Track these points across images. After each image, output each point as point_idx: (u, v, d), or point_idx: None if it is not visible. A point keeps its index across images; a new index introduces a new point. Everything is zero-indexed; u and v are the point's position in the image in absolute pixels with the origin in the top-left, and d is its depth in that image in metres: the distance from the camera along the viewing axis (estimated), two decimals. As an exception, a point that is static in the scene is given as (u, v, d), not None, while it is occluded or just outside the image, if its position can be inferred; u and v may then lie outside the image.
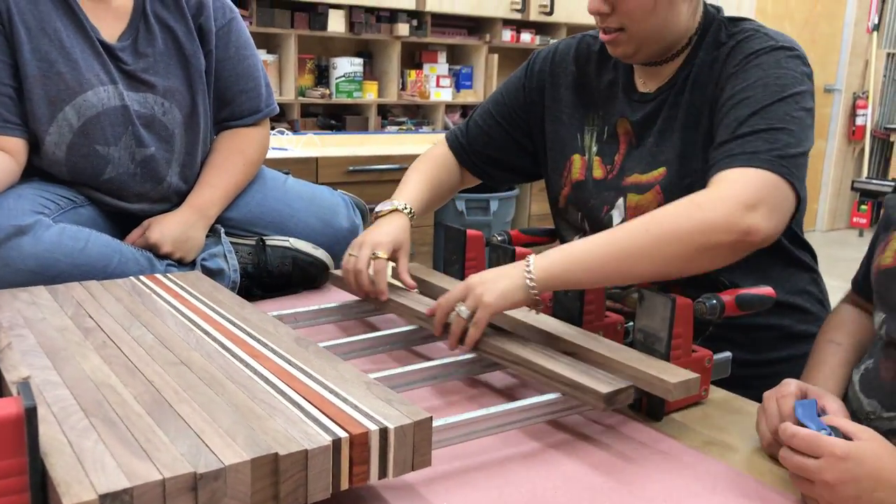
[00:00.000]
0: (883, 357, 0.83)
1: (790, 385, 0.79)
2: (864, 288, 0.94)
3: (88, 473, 0.54)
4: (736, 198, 0.86)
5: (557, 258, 0.90)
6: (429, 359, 0.99)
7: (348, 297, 1.18)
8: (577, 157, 1.16)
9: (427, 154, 1.29)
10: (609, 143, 1.13)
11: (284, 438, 0.60)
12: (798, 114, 0.93)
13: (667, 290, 0.90)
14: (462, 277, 1.18)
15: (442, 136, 1.32)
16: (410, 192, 1.18)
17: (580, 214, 1.17)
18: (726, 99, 0.97)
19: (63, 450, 0.57)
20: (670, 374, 0.82)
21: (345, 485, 0.62)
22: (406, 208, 1.14)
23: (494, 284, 0.90)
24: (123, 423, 0.62)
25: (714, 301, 0.92)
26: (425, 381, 0.89)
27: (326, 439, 0.60)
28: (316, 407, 0.66)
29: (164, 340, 0.81)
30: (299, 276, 1.30)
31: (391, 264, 1.10)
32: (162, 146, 1.27)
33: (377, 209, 1.14)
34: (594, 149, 1.14)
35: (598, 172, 1.13)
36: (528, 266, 0.89)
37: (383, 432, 0.63)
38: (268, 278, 1.28)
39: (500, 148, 1.25)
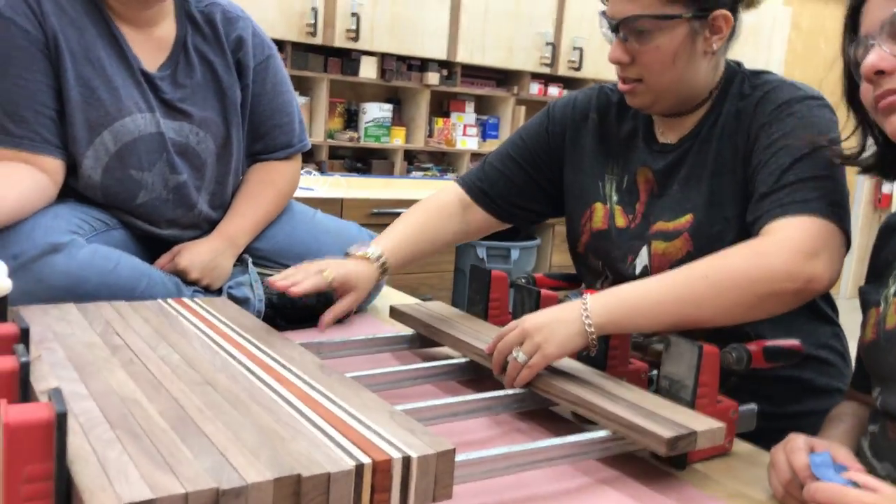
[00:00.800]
0: (888, 420, 0.82)
1: (798, 440, 0.78)
2: (861, 383, 0.93)
3: (112, 482, 0.54)
4: (797, 246, 0.87)
5: (615, 302, 0.90)
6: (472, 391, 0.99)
7: (375, 331, 1.18)
8: (599, 206, 1.16)
9: (426, 202, 1.24)
10: (629, 192, 1.13)
11: (307, 460, 0.60)
12: (836, 160, 0.94)
13: (691, 339, 0.89)
14: (485, 318, 1.18)
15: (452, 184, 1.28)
16: (391, 242, 1.14)
17: (600, 263, 1.17)
18: (764, 147, 0.98)
19: (88, 459, 0.57)
20: (696, 422, 0.81)
21: (365, 513, 0.61)
22: (380, 258, 1.10)
23: (554, 332, 0.89)
24: (148, 436, 0.62)
25: (741, 351, 0.91)
26: (472, 413, 0.90)
27: (349, 464, 0.60)
28: (339, 432, 0.66)
29: (190, 361, 0.81)
30: (323, 309, 1.29)
31: (327, 280, 1.05)
32: (193, 174, 1.29)
33: (349, 249, 1.10)
34: (615, 198, 1.15)
35: (620, 221, 1.13)
36: (585, 309, 0.89)
37: (406, 461, 0.62)
38: (292, 310, 1.29)
39: (521, 193, 1.23)
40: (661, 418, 0.81)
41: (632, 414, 0.82)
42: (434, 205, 1.22)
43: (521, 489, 0.78)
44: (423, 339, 1.15)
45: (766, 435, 0.96)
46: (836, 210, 0.91)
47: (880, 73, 0.76)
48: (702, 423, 0.81)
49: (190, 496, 0.53)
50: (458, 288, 3.39)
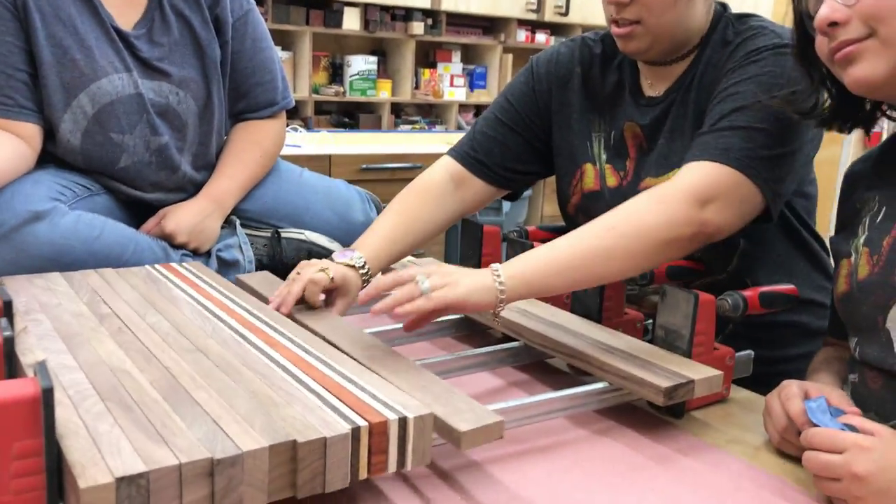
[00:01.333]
0: (867, 369, 0.82)
1: (792, 386, 0.78)
2: (837, 331, 0.93)
3: (105, 457, 0.53)
4: (692, 191, 0.87)
5: (527, 263, 0.85)
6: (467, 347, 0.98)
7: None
8: (588, 167, 1.13)
9: (413, 188, 1.15)
10: (617, 149, 1.11)
11: (302, 426, 0.59)
12: (785, 116, 0.91)
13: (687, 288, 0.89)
14: (479, 272, 1.17)
15: (455, 137, 1.22)
16: (374, 246, 1.04)
17: None
18: (719, 91, 0.96)
19: (79, 433, 0.56)
20: (693, 371, 0.81)
21: (363, 474, 0.60)
22: (363, 267, 0.99)
23: (464, 278, 0.83)
24: (139, 407, 0.61)
25: (737, 298, 0.90)
26: (467, 369, 0.89)
27: (345, 427, 0.59)
28: (334, 395, 0.65)
29: (180, 327, 0.80)
30: (314, 269, 1.29)
31: (323, 282, 0.94)
32: (175, 135, 1.26)
33: (333, 257, 1.00)
34: (603, 157, 1.12)
35: (611, 181, 1.11)
36: (496, 271, 0.84)
37: (402, 422, 0.61)
38: (283, 271, 1.27)
39: (518, 156, 1.18)
40: (658, 368, 0.81)
41: (628, 365, 0.81)
42: (423, 189, 1.14)
43: (519, 443, 0.78)
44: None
45: (763, 380, 0.96)
46: (755, 163, 0.89)
47: (834, 24, 0.74)
48: (699, 371, 0.81)
49: (184, 467, 0.53)
50: (451, 241, 3.37)
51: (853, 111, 0.85)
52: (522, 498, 0.68)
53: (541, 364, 0.97)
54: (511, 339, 0.96)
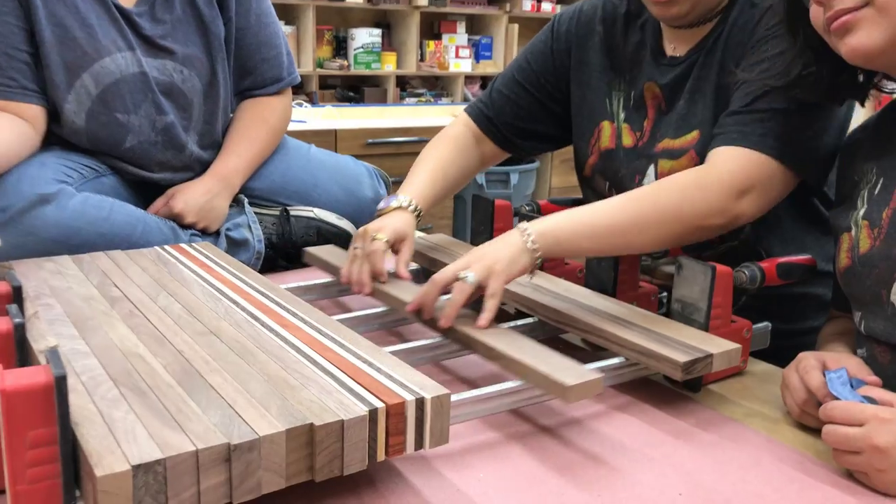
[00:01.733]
0: (875, 344, 0.80)
1: (809, 359, 0.77)
2: (841, 304, 0.91)
3: (120, 444, 0.52)
4: (732, 182, 0.88)
5: (562, 223, 0.87)
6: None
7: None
8: (606, 125, 1.12)
9: (441, 136, 1.19)
10: (636, 108, 1.09)
11: (319, 409, 0.58)
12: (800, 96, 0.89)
13: (702, 260, 0.87)
14: (490, 248, 1.16)
15: (461, 109, 1.24)
16: (417, 186, 1.08)
17: (607, 184, 1.14)
18: (751, 64, 0.93)
19: (94, 420, 0.55)
20: (711, 345, 0.80)
21: (381, 456, 0.60)
22: (410, 204, 1.04)
23: (500, 252, 0.85)
24: (154, 393, 0.60)
25: (754, 270, 0.89)
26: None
27: (363, 409, 0.58)
28: (350, 377, 0.64)
29: (192, 310, 0.79)
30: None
31: (388, 249, 0.98)
32: (180, 114, 1.24)
33: (380, 205, 1.05)
34: (622, 115, 1.11)
35: (627, 140, 1.09)
36: (525, 231, 0.86)
37: (420, 402, 0.61)
38: (292, 249, 1.26)
39: (529, 117, 1.19)
40: (676, 342, 0.80)
41: (645, 339, 0.80)
42: (450, 139, 1.17)
43: (535, 420, 0.77)
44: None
45: (779, 353, 0.95)
46: (795, 149, 0.89)
47: None
48: (717, 345, 0.80)
49: (201, 453, 0.52)
50: (458, 216, 3.36)
51: (848, 82, 0.83)
52: (541, 472, 0.67)
53: (555, 340, 0.96)
54: (525, 315, 0.95)
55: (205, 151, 1.30)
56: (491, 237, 1.15)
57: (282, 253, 1.26)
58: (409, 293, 0.91)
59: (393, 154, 3.09)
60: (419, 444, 0.62)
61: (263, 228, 1.25)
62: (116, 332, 0.73)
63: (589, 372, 0.73)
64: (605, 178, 1.14)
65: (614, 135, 1.11)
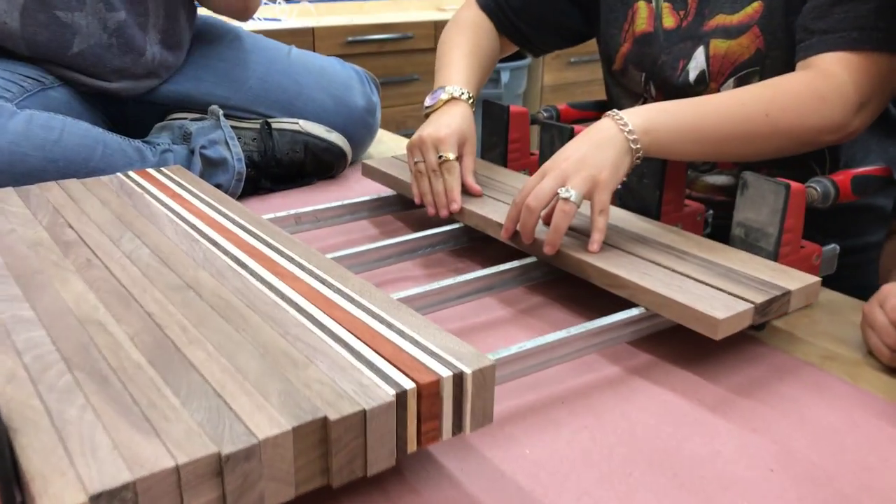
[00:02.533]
0: None
1: (887, 287, 0.65)
2: None
3: (74, 461, 0.39)
4: (855, 94, 0.75)
5: (666, 121, 0.74)
6: (473, 268, 0.84)
7: (377, 189, 1.01)
8: (642, 5, 0.95)
9: (458, 21, 1.05)
10: None
11: (333, 395, 0.45)
12: None
13: (767, 175, 0.74)
14: (505, 162, 1.01)
15: (444, 1, 1.09)
16: (461, 73, 0.95)
17: (643, 75, 0.98)
18: None
19: (39, 423, 0.42)
20: (787, 279, 0.67)
21: (412, 447, 0.48)
22: (463, 94, 0.92)
23: (600, 157, 0.72)
24: (118, 377, 0.47)
25: (827, 185, 0.76)
26: (476, 293, 0.75)
27: (389, 393, 0.45)
28: (368, 345, 0.51)
29: (164, 256, 0.65)
30: (313, 165, 1.13)
31: (456, 164, 0.87)
32: (133, 9, 1.06)
33: (427, 103, 0.92)
34: None
35: (669, 21, 0.93)
36: (624, 125, 0.73)
37: (458, 378, 0.48)
38: (277, 168, 1.11)
39: (546, 3, 1.03)
40: (743, 277, 0.67)
41: (707, 274, 0.68)
42: (471, 24, 1.03)
43: (577, 376, 0.65)
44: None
45: (838, 272, 0.83)
46: None
47: None
48: (793, 278, 0.67)
49: (183, 469, 0.39)
50: None
51: None
52: (596, 445, 0.56)
53: (567, 278, 0.82)
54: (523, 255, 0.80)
55: (171, 53, 1.12)
56: (505, 149, 1.01)
57: (265, 172, 1.11)
58: (495, 212, 0.82)
59: (375, 53, 2.88)
60: (458, 427, 0.49)
61: (243, 145, 1.09)
62: (71, 289, 0.59)
63: (737, 302, 0.63)
64: (640, 68, 0.98)
65: (652, 16, 0.94)
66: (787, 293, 0.65)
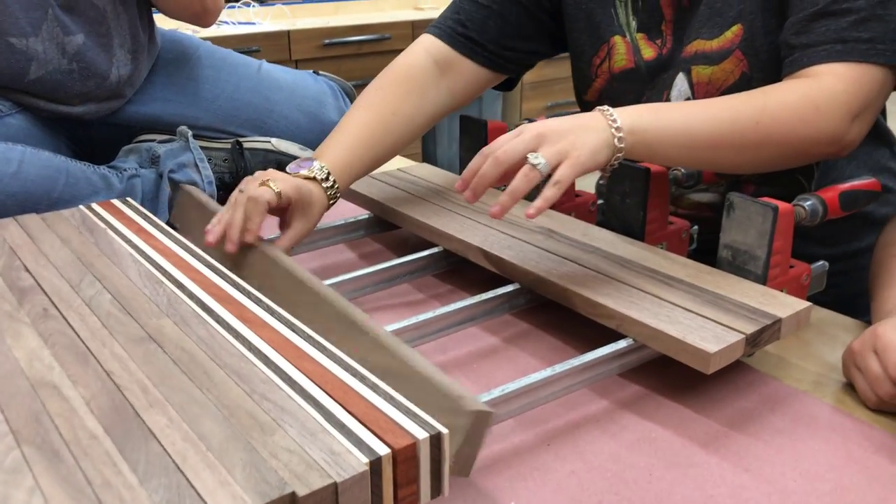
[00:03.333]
0: None
1: (890, 333, 0.61)
2: None
3: (19, 559, 0.36)
4: (851, 103, 0.72)
5: (655, 122, 0.70)
6: (453, 298, 0.81)
7: (354, 210, 0.98)
8: (619, 41, 0.91)
9: (390, 71, 0.92)
10: (649, 12, 0.88)
11: (303, 465, 0.42)
12: None
13: (738, 190, 0.72)
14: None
15: (421, 0, 0.99)
16: (341, 149, 0.81)
17: None
18: None
19: (-18, 512, 0.39)
20: (777, 305, 0.65)
21: (389, 514, 0.45)
22: (326, 178, 0.78)
23: (581, 137, 0.67)
24: (71, 451, 0.44)
25: (815, 203, 0.73)
26: (459, 325, 0.72)
27: (362, 462, 0.43)
28: (339, 404, 0.48)
29: (126, 302, 0.62)
30: (287, 184, 1.09)
31: (266, 199, 0.73)
32: (93, 30, 1.01)
33: (288, 168, 0.78)
34: (633, 25, 0.91)
35: (648, 52, 0.90)
36: (613, 119, 0.69)
37: (435, 440, 0.45)
38: (250, 189, 1.07)
39: (517, 32, 0.95)
40: (732, 304, 0.65)
41: (697, 303, 0.65)
42: (402, 77, 0.90)
43: (561, 414, 0.63)
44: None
45: (826, 280, 0.81)
46: None
47: None
48: (784, 305, 0.65)
49: (138, 564, 0.36)
50: (428, 142, 3.13)
51: None
52: (586, 493, 0.53)
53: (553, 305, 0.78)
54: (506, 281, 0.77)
55: (133, 67, 1.08)
56: (484, 166, 0.98)
57: (238, 194, 1.07)
58: (475, 236, 0.78)
59: (353, 55, 2.84)
60: (437, 489, 0.47)
61: (213, 166, 1.06)
62: (24, 345, 0.55)
63: (728, 332, 0.61)
64: (614, 104, 0.95)
65: (631, 50, 0.90)
66: (778, 321, 0.63)
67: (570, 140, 0.67)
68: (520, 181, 0.66)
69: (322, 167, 0.78)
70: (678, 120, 0.71)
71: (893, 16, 0.72)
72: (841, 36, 0.73)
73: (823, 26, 0.74)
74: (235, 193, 0.76)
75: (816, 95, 0.72)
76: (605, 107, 0.71)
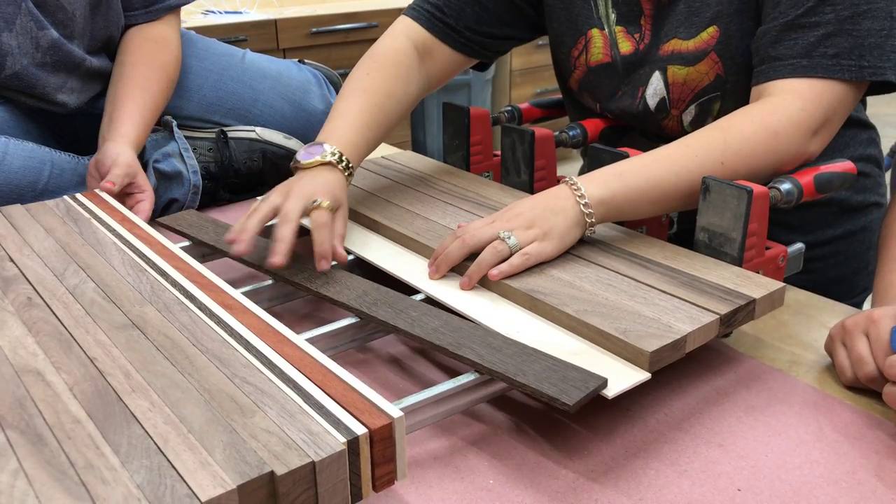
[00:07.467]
0: None
1: (886, 318, 0.61)
2: None
3: (3, 538, 0.37)
4: (808, 123, 0.74)
5: (623, 189, 0.72)
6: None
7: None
8: (596, 34, 0.92)
9: (375, 56, 0.91)
10: (629, 5, 0.89)
11: (281, 445, 0.43)
12: None
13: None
14: (467, 165, 0.99)
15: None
16: (347, 132, 0.81)
17: (598, 105, 0.96)
18: None
19: (-33, 495, 0.40)
20: (751, 286, 0.66)
21: (367, 492, 0.46)
22: (340, 159, 0.78)
23: (551, 221, 0.70)
24: (55, 435, 0.45)
25: (790, 186, 0.74)
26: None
27: (339, 441, 0.44)
28: (318, 385, 0.49)
29: (109, 290, 0.63)
30: (271, 173, 1.10)
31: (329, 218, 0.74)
32: (60, 30, 1.00)
33: (300, 157, 0.78)
34: (612, 17, 0.91)
35: (625, 46, 0.90)
36: (580, 196, 0.71)
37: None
38: (235, 178, 1.08)
39: (494, 18, 0.95)
40: (707, 285, 0.66)
41: (668, 283, 0.66)
42: (388, 62, 0.90)
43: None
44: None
45: (803, 267, 0.82)
46: (869, 60, 0.74)
47: None
48: (758, 285, 0.66)
49: (119, 541, 0.37)
50: (416, 126, 3.12)
51: None
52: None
53: None
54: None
55: (107, 55, 1.07)
56: (468, 152, 0.99)
57: (223, 183, 1.08)
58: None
59: (341, 43, 2.84)
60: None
61: (198, 156, 1.06)
62: (8, 333, 0.56)
63: (702, 313, 0.62)
64: (594, 98, 0.96)
65: (608, 44, 0.91)
66: (752, 301, 0.64)
67: (539, 226, 0.70)
68: (489, 252, 0.69)
69: (333, 150, 0.79)
70: (645, 177, 0.73)
71: (861, 31, 0.73)
72: (807, 51, 0.74)
73: (792, 39, 0.75)
74: (265, 207, 0.74)
75: (775, 122, 0.73)
76: (572, 178, 0.73)
